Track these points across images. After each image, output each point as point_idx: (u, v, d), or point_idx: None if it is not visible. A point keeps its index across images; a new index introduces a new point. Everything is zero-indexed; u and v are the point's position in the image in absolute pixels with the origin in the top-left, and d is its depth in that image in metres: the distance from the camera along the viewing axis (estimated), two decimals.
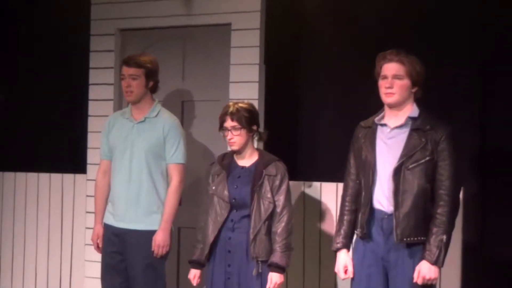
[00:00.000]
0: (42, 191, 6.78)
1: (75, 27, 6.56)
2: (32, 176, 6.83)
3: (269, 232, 4.75)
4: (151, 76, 5.29)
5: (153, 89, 5.35)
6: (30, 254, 6.82)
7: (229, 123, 4.81)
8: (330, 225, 5.66)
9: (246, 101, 4.99)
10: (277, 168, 4.81)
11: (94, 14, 6.41)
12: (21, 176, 6.88)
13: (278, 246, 4.71)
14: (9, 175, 6.94)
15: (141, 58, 5.32)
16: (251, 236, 4.71)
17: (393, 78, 4.35)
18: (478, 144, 5.41)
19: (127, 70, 5.27)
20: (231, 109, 4.83)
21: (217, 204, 4.83)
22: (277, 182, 4.78)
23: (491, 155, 5.39)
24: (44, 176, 6.78)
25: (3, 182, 6.96)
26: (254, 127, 4.88)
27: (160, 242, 5.15)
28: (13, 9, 6.99)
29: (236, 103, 4.89)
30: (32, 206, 6.81)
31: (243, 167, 4.87)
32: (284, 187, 4.79)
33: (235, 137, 4.81)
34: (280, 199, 4.77)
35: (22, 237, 6.84)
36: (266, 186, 4.76)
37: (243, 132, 4.81)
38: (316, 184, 5.75)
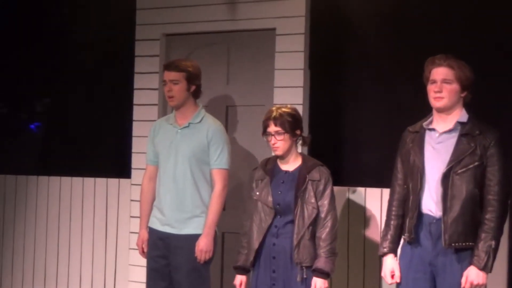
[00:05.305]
0: (87, 196, 6.82)
1: (121, 32, 6.62)
2: (77, 180, 6.87)
3: (313, 237, 4.71)
4: (193, 80, 5.26)
5: (196, 94, 5.32)
6: (75, 258, 6.86)
7: (272, 128, 4.77)
8: (374, 231, 5.63)
9: (289, 105, 4.94)
10: (320, 173, 4.77)
11: (139, 19, 6.44)
12: (66, 180, 6.92)
13: (322, 252, 4.67)
14: (54, 180, 6.98)
15: (182, 62, 5.31)
16: (295, 242, 4.68)
17: (442, 83, 4.33)
18: None
19: (168, 75, 5.26)
20: (274, 114, 4.79)
21: (261, 210, 4.79)
22: (321, 187, 4.74)
23: None
24: (89, 181, 6.82)
25: (48, 186, 7.00)
26: (298, 132, 4.83)
27: (203, 247, 5.15)
28: (59, 14, 7.06)
29: (279, 107, 4.84)
30: (77, 211, 6.86)
31: (286, 172, 4.83)
32: (328, 192, 4.75)
33: (279, 142, 4.76)
34: (324, 204, 4.72)
35: (67, 241, 6.89)
36: (310, 191, 4.72)
37: (287, 136, 4.77)
38: (361, 189, 5.71)
